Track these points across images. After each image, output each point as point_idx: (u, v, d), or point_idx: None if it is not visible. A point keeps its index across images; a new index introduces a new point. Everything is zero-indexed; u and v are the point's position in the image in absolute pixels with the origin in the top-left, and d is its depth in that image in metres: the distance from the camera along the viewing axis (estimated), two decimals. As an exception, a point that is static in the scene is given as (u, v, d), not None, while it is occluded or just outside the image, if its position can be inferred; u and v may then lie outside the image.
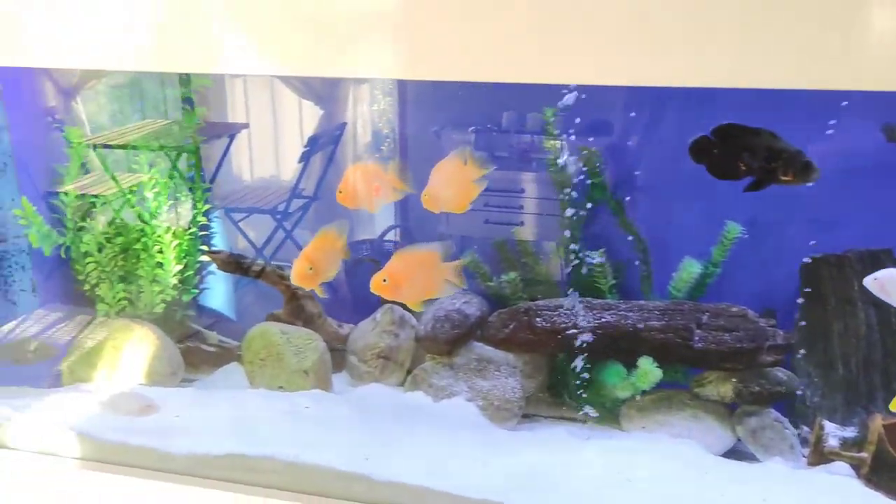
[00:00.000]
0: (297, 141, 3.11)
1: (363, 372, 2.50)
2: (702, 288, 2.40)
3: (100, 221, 2.61)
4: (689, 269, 2.38)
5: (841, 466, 2.04)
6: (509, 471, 2.03)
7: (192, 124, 2.68)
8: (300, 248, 2.85)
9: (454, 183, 1.94)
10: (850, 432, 2.05)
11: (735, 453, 2.22)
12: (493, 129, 2.74)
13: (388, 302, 2.51)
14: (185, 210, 2.78)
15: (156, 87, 3.02)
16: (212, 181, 2.99)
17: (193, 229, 2.70)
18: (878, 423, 1.97)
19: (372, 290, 1.92)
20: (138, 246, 2.60)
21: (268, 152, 3.29)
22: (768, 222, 2.34)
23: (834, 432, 2.06)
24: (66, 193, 2.56)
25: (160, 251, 2.61)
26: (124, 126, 2.98)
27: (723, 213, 2.37)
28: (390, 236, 3.04)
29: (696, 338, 2.22)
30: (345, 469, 2.02)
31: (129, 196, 2.60)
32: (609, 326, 2.28)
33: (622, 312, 2.31)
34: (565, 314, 2.33)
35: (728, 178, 1.77)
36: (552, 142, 2.48)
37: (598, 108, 2.41)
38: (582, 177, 2.46)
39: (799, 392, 2.23)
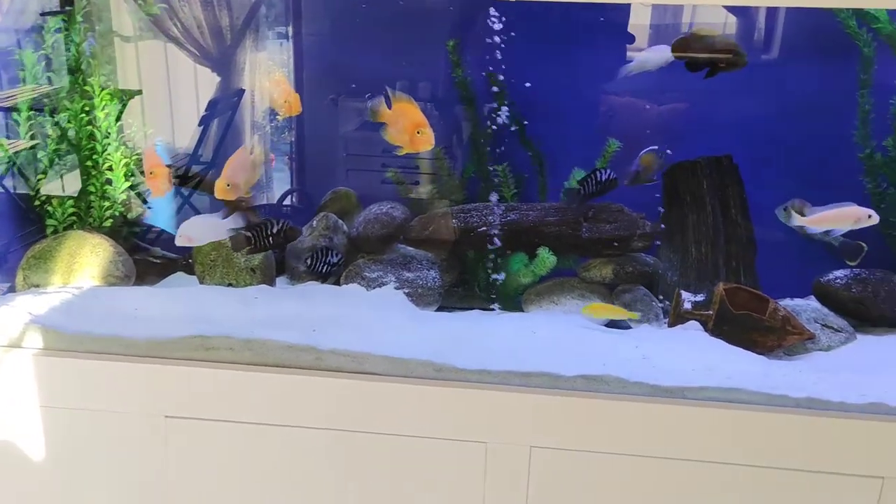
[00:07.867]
0: (192, 108, 3.22)
1: (301, 272, 2.86)
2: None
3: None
4: (578, 177, 2.87)
5: (693, 325, 2.58)
6: (435, 336, 2.46)
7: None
8: (198, 212, 3.15)
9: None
10: (700, 298, 2.60)
11: (613, 324, 2.74)
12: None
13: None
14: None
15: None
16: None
17: (139, 151, 2.95)
18: (720, 288, 2.52)
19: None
20: (89, 163, 2.83)
21: (163, 118, 3.37)
22: (640, 139, 2.86)
23: (689, 298, 2.60)
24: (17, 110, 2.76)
25: (110, 168, 2.85)
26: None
27: (606, 131, 2.87)
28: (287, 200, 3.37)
29: (584, 229, 2.72)
30: (294, 342, 2.38)
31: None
32: (513, 223, 2.75)
33: (524, 212, 2.77)
34: (476, 215, 2.78)
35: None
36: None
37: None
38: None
39: (661, 272, 2.78)
